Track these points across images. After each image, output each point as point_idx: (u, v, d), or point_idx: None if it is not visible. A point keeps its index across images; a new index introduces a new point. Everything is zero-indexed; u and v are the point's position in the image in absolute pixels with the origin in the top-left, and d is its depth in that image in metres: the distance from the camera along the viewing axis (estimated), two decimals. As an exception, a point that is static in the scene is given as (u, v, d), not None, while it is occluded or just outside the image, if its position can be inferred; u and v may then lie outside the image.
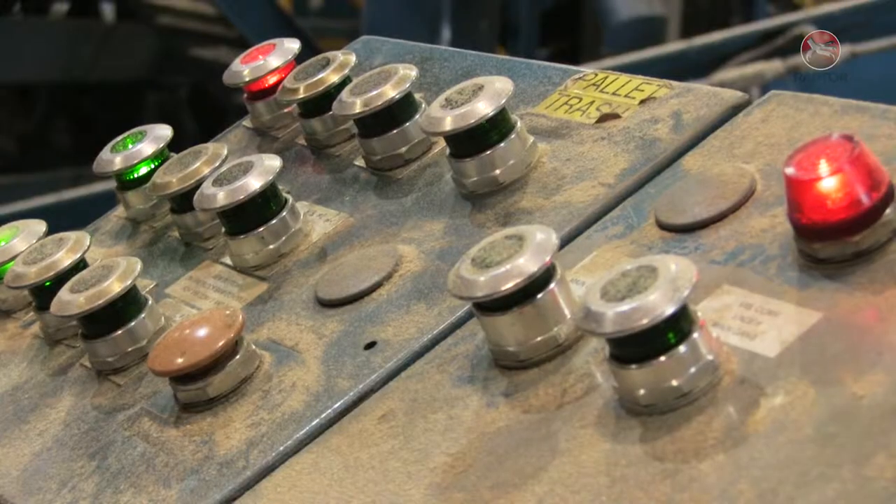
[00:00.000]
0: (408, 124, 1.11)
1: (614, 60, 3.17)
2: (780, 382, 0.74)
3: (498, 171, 1.02)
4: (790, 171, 0.79)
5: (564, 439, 0.79)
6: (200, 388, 0.96)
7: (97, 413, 1.03)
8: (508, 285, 0.83)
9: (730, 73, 3.14)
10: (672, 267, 0.76)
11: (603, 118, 1.04)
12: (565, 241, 0.94)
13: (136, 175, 1.24)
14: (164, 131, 1.25)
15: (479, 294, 0.84)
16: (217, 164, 1.15)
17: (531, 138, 1.03)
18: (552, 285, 0.84)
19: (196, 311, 1.06)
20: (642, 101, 1.04)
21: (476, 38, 3.63)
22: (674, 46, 3.38)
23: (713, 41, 3.29)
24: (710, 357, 0.76)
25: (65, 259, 1.11)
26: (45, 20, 3.97)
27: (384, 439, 0.86)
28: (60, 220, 1.54)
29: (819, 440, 0.70)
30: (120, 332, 1.05)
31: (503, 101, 1.00)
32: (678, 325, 0.76)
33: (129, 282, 1.03)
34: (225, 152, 1.17)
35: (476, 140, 1.01)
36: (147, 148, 1.23)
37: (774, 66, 3.10)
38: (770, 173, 0.89)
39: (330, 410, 0.91)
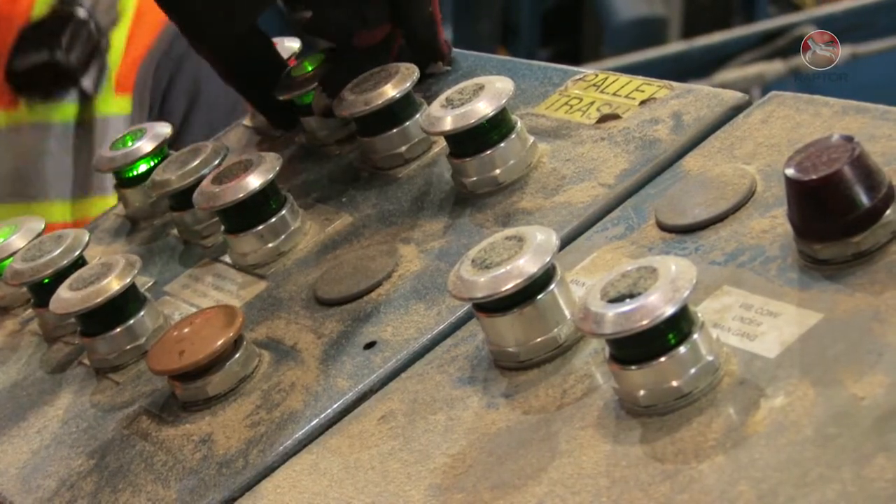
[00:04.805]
0: (408, 123, 1.11)
1: (615, 61, 3.17)
2: (780, 383, 0.74)
3: (498, 171, 1.02)
4: (790, 172, 0.79)
5: (564, 440, 0.78)
6: (199, 386, 0.96)
7: (96, 411, 1.03)
8: (508, 286, 0.82)
9: (731, 73, 3.14)
10: (672, 268, 0.76)
11: (603, 119, 1.04)
12: (565, 242, 0.93)
13: (135, 173, 1.24)
14: (164, 129, 1.25)
15: (479, 295, 0.83)
16: (216, 162, 1.15)
17: (531, 138, 1.03)
18: (552, 286, 0.84)
19: (195, 309, 1.06)
20: (643, 102, 1.04)
21: (477, 38, 3.63)
22: (675, 47, 3.39)
23: (714, 42, 3.29)
24: (710, 358, 0.76)
25: (63, 256, 1.11)
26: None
27: (384, 440, 0.86)
28: (60, 217, 1.54)
29: (819, 441, 0.70)
30: (119, 329, 1.05)
31: (504, 101, 1.00)
32: (678, 326, 0.76)
33: (128, 280, 1.03)
34: (224, 150, 1.17)
35: (476, 140, 1.01)
36: (146, 145, 1.23)
37: (775, 67, 3.10)
38: (770, 174, 0.89)
39: (329, 410, 0.91)
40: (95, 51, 1.63)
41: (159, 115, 1.65)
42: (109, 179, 1.59)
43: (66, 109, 1.63)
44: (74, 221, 1.62)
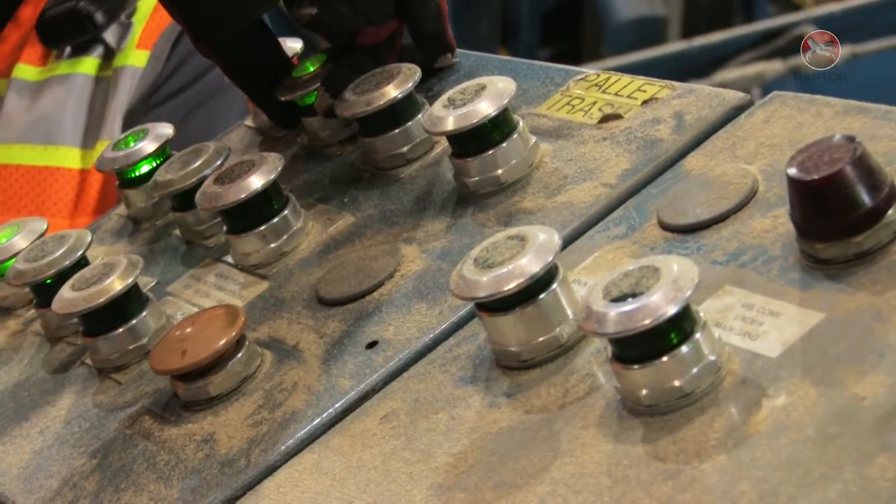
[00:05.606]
0: (410, 124, 1.11)
1: (615, 61, 3.17)
2: (781, 383, 0.74)
3: (500, 171, 1.02)
4: (792, 171, 0.79)
5: (566, 439, 0.79)
6: (201, 386, 0.96)
7: (98, 411, 1.03)
8: (511, 286, 0.83)
9: (730, 73, 3.14)
10: (674, 267, 0.76)
11: (605, 119, 1.04)
12: (567, 242, 0.94)
13: (137, 173, 1.24)
14: (166, 129, 1.25)
15: (481, 294, 0.84)
16: (218, 162, 1.15)
17: (533, 138, 1.03)
18: (554, 286, 0.84)
19: (197, 309, 1.06)
20: (644, 102, 1.04)
21: (477, 38, 3.63)
22: (675, 47, 3.39)
23: (714, 41, 3.29)
24: (712, 357, 0.76)
25: (66, 257, 1.11)
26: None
27: (386, 439, 0.86)
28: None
29: (821, 441, 0.70)
30: (121, 329, 1.05)
31: (505, 101, 1.00)
32: (680, 326, 0.76)
33: (130, 280, 1.03)
34: (226, 151, 1.17)
35: (478, 140, 1.01)
36: (148, 146, 1.23)
37: (775, 67, 3.10)
38: (772, 174, 0.89)
39: (331, 410, 0.91)
40: (122, 5, 1.68)
41: (172, 73, 1.70)
42: (118, 129, 1.63)
43: (91, 63, 1.67)
44: (84, 168, 1.66)
